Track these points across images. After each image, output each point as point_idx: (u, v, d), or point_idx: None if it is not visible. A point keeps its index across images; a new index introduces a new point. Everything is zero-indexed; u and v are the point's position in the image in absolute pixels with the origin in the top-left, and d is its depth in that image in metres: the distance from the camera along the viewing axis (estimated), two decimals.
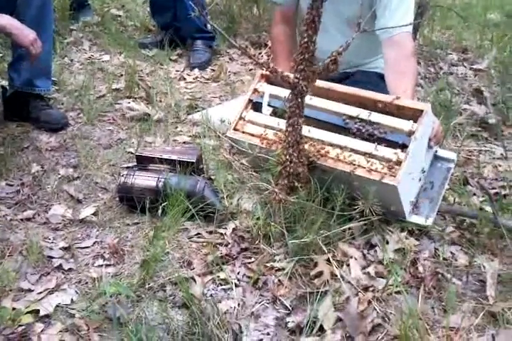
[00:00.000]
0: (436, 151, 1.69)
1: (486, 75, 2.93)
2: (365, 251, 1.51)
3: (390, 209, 1.55)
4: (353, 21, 1.88)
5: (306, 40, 1.40)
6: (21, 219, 1.64)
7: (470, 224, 1.66)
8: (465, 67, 3.06)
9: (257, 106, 1.72)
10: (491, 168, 2.07)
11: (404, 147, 1.49)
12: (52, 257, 1.47)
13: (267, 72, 1.73)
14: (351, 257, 1.47)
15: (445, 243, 1.57)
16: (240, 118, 1.71)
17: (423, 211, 1.63)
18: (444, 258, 1.51)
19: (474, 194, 1.88)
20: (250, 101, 1.73)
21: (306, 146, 1.54)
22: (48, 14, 2.13)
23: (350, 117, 1.58)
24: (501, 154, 2.19)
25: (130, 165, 1.85)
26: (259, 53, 3.14)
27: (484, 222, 1.57)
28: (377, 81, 2.02)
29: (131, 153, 2.04)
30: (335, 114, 1.61)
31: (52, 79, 2.52)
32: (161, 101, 2.52)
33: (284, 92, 1.62)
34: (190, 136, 2.20)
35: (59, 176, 1.87)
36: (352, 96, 1.62)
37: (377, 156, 1.50)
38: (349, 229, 1.52)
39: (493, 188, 1.94)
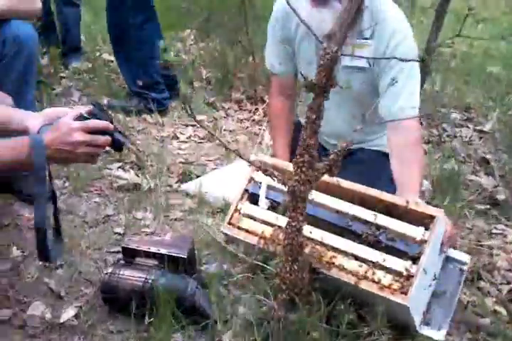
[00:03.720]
0: (446, 251, 1.56)
1: (491, 138, 2.83)
2: None
3: (398, 319, 1.42)
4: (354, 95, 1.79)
5: (306, 143, 1.27)
6: None
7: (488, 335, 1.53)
8: (469, 128, 2.96)
9: (254, 198, 1.60)
10: (504, 256, 1.95)
11: (414, 258, 1.37)
12: None
13: (264, 161, 1.62)
14: None
15: None
16: (235, 210, 1.57)
17: (435, 321, 1.49)
18: None
19: (488, 292, 1.75)
20: (246, 191, 1.60)
21: (307, 250, 1.41)
22: (30, 80, 2.00)
23: (355, 218, 1.46)
24: None
25: (116, 257, 1.70)
26: (256, 109, 3.04)
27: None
28: (382, 161, 1.89)
29: (119, 234, 1.90)
30: (338, 213, 1.48)
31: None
32: (152, 165, 2.38)
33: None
34: (182, 211, 2.07)
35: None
36: (358, 194, 1.49)
37: (385, 267, 1.37)
38: None
39: (508, 283, 1.82)
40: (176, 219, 2.01)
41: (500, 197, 2.27)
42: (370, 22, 1.70)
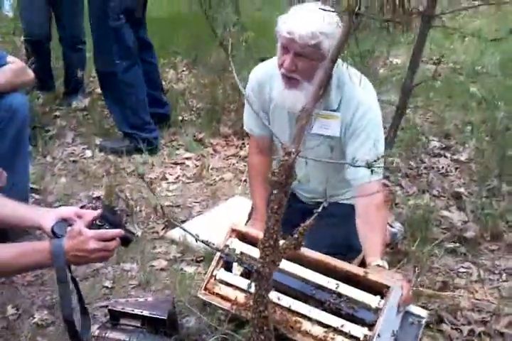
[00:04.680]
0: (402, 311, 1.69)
1: (467, 169, 2.94)
2: None
3: None
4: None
5: (272, 229, 1.40)
6: None
7: None
8: (446, 157, 3.08)
9: (228, 265, 1.74)
10: (467, 296, 2.08)
11: (371, 324, 1.50)
12: None
13: (238, 228, 1.77)
14: None
15: None
16: (211, 276, 1.72)
17: None
18: None
19: (449, 336, 1.88)
20: (221, 258, 1.74)
21: (276, 316, 1.55)
22: (23, 144, 2.15)
23: (319, 286, 1.59)
24: (477, 276, 2.20)
25: (103, 312, 1.85)
26: (242, 143, 3.17)
27: None
28: (352, 214, 2.03)
29: (107, 288, 2.04)
30: (303, 281, 1.62)
31: (34, 187, 2.55)
32: (141, 210, 2.52)
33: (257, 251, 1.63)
34: (167, 260, 2.21)
35: (34, 321, 1.87)
36: (322, 262, 1.63)
37: (344, 333, 1.51)
38: None
39: (468, 324, 1.94)
40: (161, 269, 2.16)
41: (470, 234, 2.39)
42: (337, 95, 1.84)
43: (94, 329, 1.73)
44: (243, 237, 1.79)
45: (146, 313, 1.72)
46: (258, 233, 1.69)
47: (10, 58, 2.18)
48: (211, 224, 2.35)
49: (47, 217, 1.51)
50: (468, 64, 4.35)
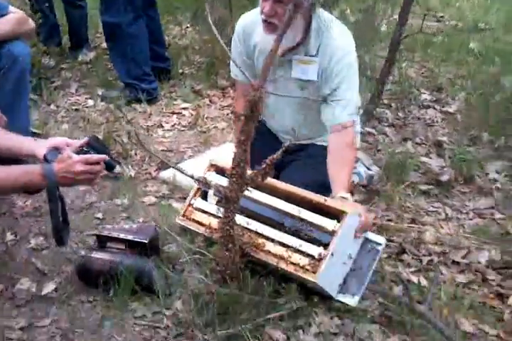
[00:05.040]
0: (366, 234, 1.85)
1: (453, 120, 3.03)
2: (290, 334, 1.68)
3: (319, 291, 1.73)
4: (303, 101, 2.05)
5: (239, 158, 1.55)
6: None
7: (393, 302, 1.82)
8: (435, 109, 3.16)
9: (205, 195, 1.90)
10: (432, 231, 2.22)
11: (327, 244, 1.66)
12: (11, 339, 1.67)
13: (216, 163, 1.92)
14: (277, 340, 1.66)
15: (366, 322, 1.74)
16: (189, 205, 1.89)
17: (350, 290, 1.79)
18: (360, 339, 1.68)
19: (408, 264, 2.04)
20: (199, 189, 1.90)
21: (244, 238, 1.72)
22: (24, 89, 2.31)
23: (284, 213, 1.75)
24: (445, 215, 2.33)
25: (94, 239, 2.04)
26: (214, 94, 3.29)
27: (400, 308, 1.73)
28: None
29: (99, 219, 2.23)
30: (271, 208, 1.78)
31: (36, 131, 2.72)
32: (136, 154, 2.70)
33: None
34: (157, 197, 2.39)
35: (30, 246, 2.07)
36: (289, 193, 1.79)
37: (303, 252, 1.67)
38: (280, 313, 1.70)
39: (429, 255, 2.09)
40: (150, 205, 2.33)
41: (445, 177, 2.51)
42: (316, 41, 1.95)
43: (82, 251, 1.92)
44: (221, 171, 1.94)
45: (129, 237, 1.90)
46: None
47: (12, 8, 2.32)
48: (200, 166, 2.50)
49: (40, 146, 1.69)
50: (471, 21, 4.36)
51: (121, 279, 1.76)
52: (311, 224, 1.70)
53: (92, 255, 1.87)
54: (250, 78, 2.18)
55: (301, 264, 1.65)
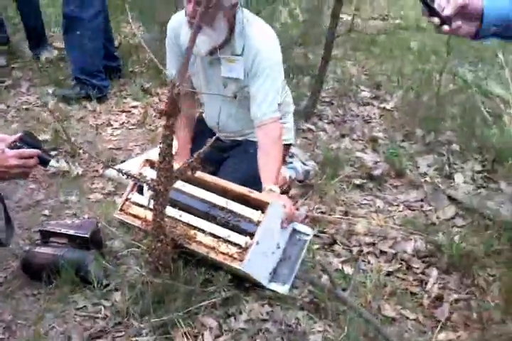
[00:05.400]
0: (294, 225, 1.98)
1: (390, 116, 3.20)
2: (222, 321, 1.81)
3: (250, 280, 1.86)
4: (235, 100, 2.17)
5: (164, 152, 1.66)
6: None
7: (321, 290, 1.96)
8: (374, 106, 3.33)
9: (141, 189, 2.00)
10: (364, 223, 2.37)
11: (253, 234, 1.79)
12: None
13: (151, 159, 2.03)
14: (210, 328, 1.78)
15: (295, 309, 1.88)
16: (126, 199, 1.99)
17: (280, 279, 1.93)
18: (288, 325, 1.82)
19: (339, 254, 2.18)
20: (135, 184, 2.00)
21: (177, 229, 1.83)
22: None
23: (214, 205, 1.87)
24: (377, 207, 2.49)
25: (36, 237, 2.12)
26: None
27: (323, 295, 1.87)
28: None
29: (46, 216, 2.31)
30: (201, 201, 1.90)
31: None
32: (84, 152, 2.77)
33: None
34: (103, 194, 2.48)
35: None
36: (217, 185, 1.91)
37: (231, 242, 1.80)
38: (211, 301, 1.83)
39: (359, 245, 2.24)
40: (96, 201, 2.43)
41: (378, 171, 2.67)
42: (240, 42, 2.07)
43: (26, 246, 2.01)
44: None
45: (71, 232, 2.00)
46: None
47: None
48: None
49: None
50: (413, 20, 4.55)
51: (62, 272, 1.86)
52: (238, 215, 1.82)
53: (35, 250, 1.96)
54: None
55: (229, 253, 1.77)
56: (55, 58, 3.69)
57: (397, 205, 2.51)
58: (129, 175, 1.71)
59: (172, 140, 1.66)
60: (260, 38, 2.08)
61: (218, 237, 1.81)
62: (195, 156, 1.71)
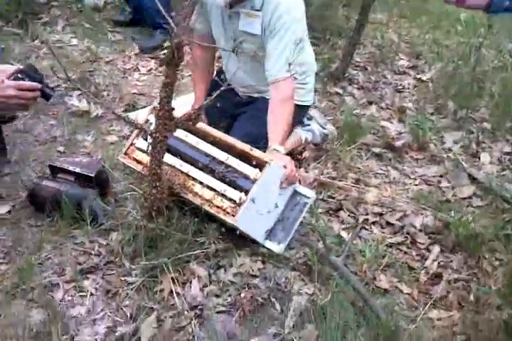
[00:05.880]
0: (295, 187, 1.95)
1: (425, 88, 3.08)
2: (212, 271, 1.82)
3: (246, 235, 1.86)
4: (251, 55, 2.12)
5: (164, 100, 1.64)
6: None
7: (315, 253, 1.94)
8: (410, 76, 3.20)
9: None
10: (375, 193, 2.32)
11: (248, 191, 1.77)
12: None
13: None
14: (199, 276, 1.80)
15: (287, 268, 1.87)
16: (131, 144, 1.99)
17: (276, 238, 1.92)
18: (277, 283, 1.82)
19: (342, 221, 2.15)
20: (141, 129, 2.00)
21: (177, 179, 1.83)
22: None
23: (214, 158, 1.86)
24: (393, 178, 2.43)
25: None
26: None
27: (316, 259, 1.85)
28: None
29: (60, 152, 2.35)
30: (203, 153, 1.88)
31: (30, 62, 2.79)
32: (108, 95, 2.79)
33: None
34: (119, 137, 2.50)
35: None
36: (222, 140, 1.89)
37: (225, 196, 1.79)
38: (203, 251, 1.84)
39: (366, 214, 2.20)
40: (111, 143, 2.45)
41: (399, 142, 2.59)
42: None
43: (35, 178, 2.06)
44: None
45: (77, 170, 2.02)
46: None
47: None
48: None
49: None
50: None
51: (64, 207, 1.90)
52: (237, 171, 1.80)
53: (43, 183, 2.00)
54: (206, 29, 2.26)
55: (223, 207, 1.77)
56: (102, 6, 3.67)
57: (414, 179, 2.44)
58: (128, 121, 1.71)
59: (172, 89, 1.63)
60: None
61: (215, 190, 1.80)
62: (196, 107, 1.69)
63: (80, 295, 1.71)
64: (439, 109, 2.88)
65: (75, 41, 3.23)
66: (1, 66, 1.76)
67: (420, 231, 2.13)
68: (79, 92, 2.75)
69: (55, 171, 2.07)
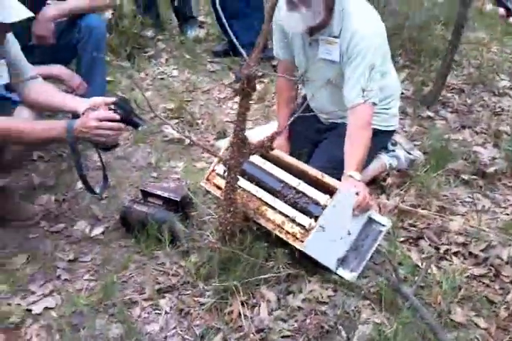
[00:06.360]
0: (370, 215, 1.94)
1: None
2: (281, 296, 1.86)
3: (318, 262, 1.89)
4: (334, 82, 2.16)
5: (237, 129, 1.73)
6: (52, 232, 2.23)
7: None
8: (511, 97, 3.03)
9: None
10: (461, 221, 2.22)
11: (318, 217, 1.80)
12: (58, 267, 2.04)
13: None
14: (268, 300, 1.85)
15: (357, 297, 1.86)
16: (212, 170, 2.11)
17: (350, 266, 1.92)
18: (346, 312, 1.81)
19: (422, 250, 2.09)
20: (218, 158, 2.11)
21: (251, 204, 1.91)
22: (100, 58, 2.64)
23: (287, 184, 1.91)
24: (482, 206, 2.31)
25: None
26: None
27: (387, 289, 1.82)
28: None
29: (154, 178, 2.54)
30: (276, 179, 1.94)
31: (123, 95, 3.08)
32: (202, 123, 2.96)
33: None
34: (208, 163, 2.63)
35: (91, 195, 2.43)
36: (294, 166, 1.95)
37: (297, 222, 1.83)
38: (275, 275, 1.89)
39: (449, 244, 2.12)
40: (200, 169, 2.59)
41: (492, 168, 2.45)
42: (339, 23, 2.04)
43: (127, 202, 2.24)
44: None
45: (165, 195, 2.18)
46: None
47: None
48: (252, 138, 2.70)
49: (81, 105, 1.97)
50: None
51: (150, 229, 2.05)
52: (308, 196, 1.84)
53: (133, 206, 2.18)
54: (287, 56, 2.34)
55: (293, 233, 1.81)
56: (203, 37, 3.90)
57: (505, 207, 2.31)
58: (206, 149, 1.82)
59: (245, 117, 1.73)
60: (358, 19, 2.02)
61: (286, 216, 1.85)
62: (269, 137, 1.76)
63: (156, 313, 1.83)
64: None
65: (176, 72, 3.48)
66: (105, 99, 1.95)
67: (507, 263, 2.01)
68: (175, 121, 2.96)
69: (145, 195, 2.24)
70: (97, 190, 2.12)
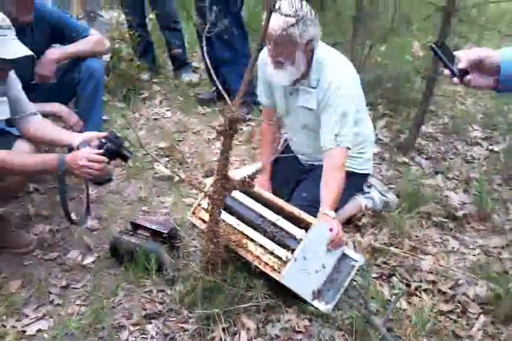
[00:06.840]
0: (344, 250, 2.09)
1: (495, 159, 3.11)
2: (261, 325, 1.97)
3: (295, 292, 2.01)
4: (311, 127, 2.35)
5: (221, 166, 1.89)
6: (46, 259, 2.34)
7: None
8: (482, 147, 3.25)
9: None
10: (432, 260, 2.37)
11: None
12: (51, 292, 2.14)
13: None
14: (248, 329, 1.96)
15: (332, 328, 1.98)
16: (198, 205, 2.26)
17: (325, 298, 2.05)
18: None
19: (393, 286, 2.23)
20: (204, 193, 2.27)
21: (233, 236, 2.06)
22: (98, 99, 2.83)
23: (266, 219, 2.06)
24: (452, 247, 2.47)
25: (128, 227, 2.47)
26: None
27: (360, 320, 1.95)
28: None
29: (144, 211, 2.68)
30: (256, 214, 2.10)
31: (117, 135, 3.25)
32: (192, 161, 3.13)
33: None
34: (195, 199, 2.77)
35: (87, 226, 2.55)
36: (274, 203, 2.11)
37: (275, 254, 1.97)
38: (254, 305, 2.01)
39: (419, 282, 2.26)
40: (188, 205, 2.73)
41: (461, 212, 2.63)
42: (315, 75, 2.26)
43: (117, 233, 2.37)
44: None
45: (154, 227, 2.31)
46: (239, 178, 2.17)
47: (92, 31, 2.83)
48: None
49: (76, 139, 2.14)
50: None
51: (139, 259, 2.17)
52: (285, 231, 1.99)
53: (123, 237, 2.30)
54: (270, 102, 2.54)
55: (271, 264, 1.95)
56: (196, 81, 4.13)
57: (473, 249, 2.47)
58: (193, 184, 1.98)
59: (227, 156, 1.88)
60: (333, 71, 2.23)
61: (265, 248, 1.99)
62: (249, 175, 1.92)
63: (142, 337, 1.93)
64: (507, 181, 2.90)
65: (169, 114, 3.67)
66: (98, 134, 2.12)
67: (473, 301, 2.15)
68: (166, 159, 3.12)
69: (135, 227, 2.37)
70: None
